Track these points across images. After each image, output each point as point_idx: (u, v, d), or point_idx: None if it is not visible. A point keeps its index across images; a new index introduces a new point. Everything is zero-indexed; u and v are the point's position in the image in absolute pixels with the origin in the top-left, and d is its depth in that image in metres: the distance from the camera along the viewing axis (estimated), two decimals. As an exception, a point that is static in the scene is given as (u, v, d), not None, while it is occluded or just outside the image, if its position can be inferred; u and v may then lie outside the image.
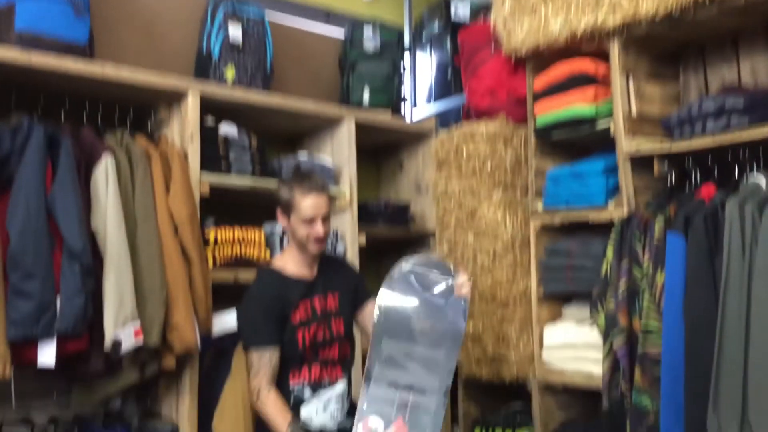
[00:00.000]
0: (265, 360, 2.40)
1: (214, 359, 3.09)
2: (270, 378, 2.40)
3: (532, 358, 3.00)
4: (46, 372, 2.64)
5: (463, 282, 2.45)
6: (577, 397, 3.05)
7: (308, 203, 2.44)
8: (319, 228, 2.46)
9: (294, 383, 2.49)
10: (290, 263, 2.55)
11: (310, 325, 2.51)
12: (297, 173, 2.69)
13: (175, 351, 2.66)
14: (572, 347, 2.86)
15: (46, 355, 2.35)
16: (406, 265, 2.50)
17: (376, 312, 2.44)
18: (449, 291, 2.47)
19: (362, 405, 2.39)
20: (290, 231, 2.53)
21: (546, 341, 2.97)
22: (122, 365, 2.61)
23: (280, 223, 2.57)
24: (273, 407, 2.38)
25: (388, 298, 2.46)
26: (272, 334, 2.43)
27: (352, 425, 2.39)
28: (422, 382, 2.39)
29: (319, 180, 2.54)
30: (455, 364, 2.46)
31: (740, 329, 2.13)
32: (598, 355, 2.65)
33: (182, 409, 2.89)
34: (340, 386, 2.54)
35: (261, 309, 2.45)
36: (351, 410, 2.53)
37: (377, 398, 2.38)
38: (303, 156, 3.34)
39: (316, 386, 2.51)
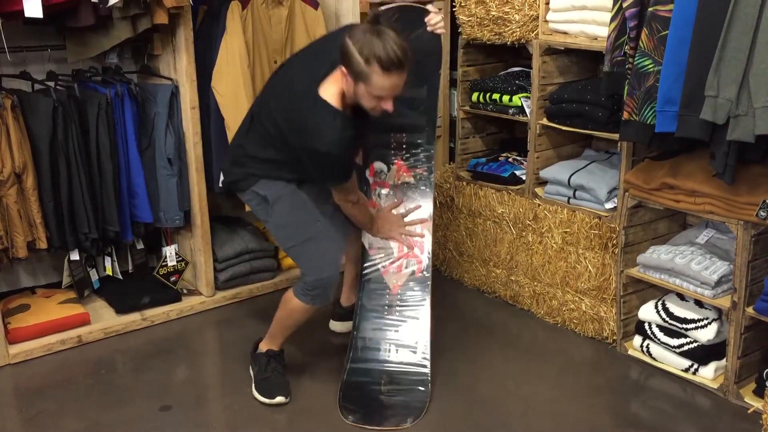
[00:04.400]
0: (353, 184, 2.41)
1: (208, 18, 3.01)
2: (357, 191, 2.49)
3: (537, 19, 2.90)
4: (37, 28, 2.59)
5: (436, 21, 2.46)
6: (577, 62, 3.02)
7: (386, 84, 2.08)
8: (389, 104, 2.15)
9: None
10: (341, 101, 2.21)
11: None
12: (379, 42, 2.06)
13: (166, 5, 2.57)
14: (579, 8, 2.75)
15: (32, 4, 2.27)
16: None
17: None
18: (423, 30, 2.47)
19: (365, 156, 2.66)
20: (352, 91, 2.15)
21: (553, 2, 2.85)
22: (112, 19, 2.55)
23: (341, 78, 2.15)
24: (365, 207, 2.56)
25: None
26: (351, 166, 2.37)
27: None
28: (411, 121, 2.63)
29: (403, 53, 2.06)
30: (437, 98, 2.65)
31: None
32: (606, 17, 2.57)
33: (180, 67, 2.89)
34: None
35: (344, 151, 2.23)
36: None
37: (375, 146, 2.66)
38: None
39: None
